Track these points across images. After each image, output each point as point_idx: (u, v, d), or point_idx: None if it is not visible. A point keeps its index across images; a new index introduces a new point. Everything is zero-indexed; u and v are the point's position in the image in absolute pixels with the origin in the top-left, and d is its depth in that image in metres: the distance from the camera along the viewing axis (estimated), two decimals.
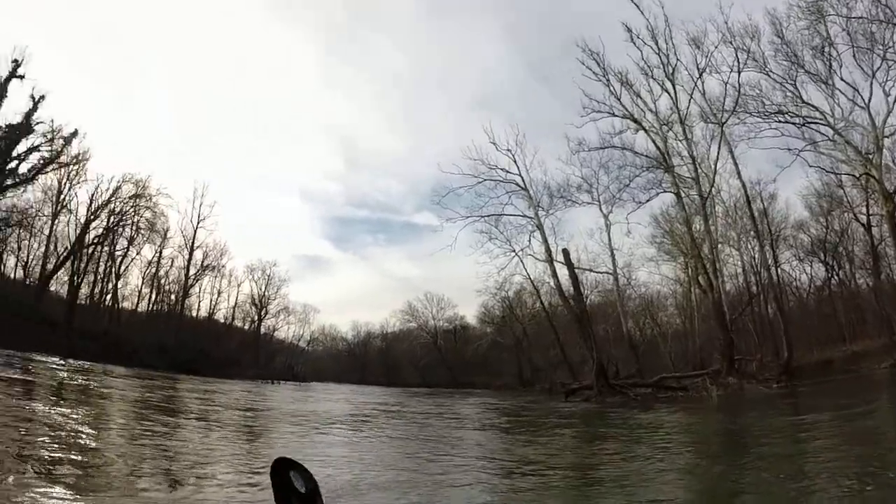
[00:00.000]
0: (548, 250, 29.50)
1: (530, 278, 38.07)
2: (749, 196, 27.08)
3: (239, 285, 55.75)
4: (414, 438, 10.09)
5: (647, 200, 28.59)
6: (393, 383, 61.66)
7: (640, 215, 56.76)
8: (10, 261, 38.30)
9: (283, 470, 1.55)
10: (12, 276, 38.08)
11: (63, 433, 7.42)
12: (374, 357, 76.29)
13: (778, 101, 25.88)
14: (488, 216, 31.30)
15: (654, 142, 26.98)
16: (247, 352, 52.02)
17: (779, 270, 33.16)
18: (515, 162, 30.50)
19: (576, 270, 29.64)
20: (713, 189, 26.59)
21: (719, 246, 28.82)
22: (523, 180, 30.40)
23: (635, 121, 27.12)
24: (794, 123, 26.04)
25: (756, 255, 35.08)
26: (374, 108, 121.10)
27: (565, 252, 29.27)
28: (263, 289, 57.78)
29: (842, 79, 24.83)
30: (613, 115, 27.47)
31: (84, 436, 7.57)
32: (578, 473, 7.35)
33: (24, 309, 30.67)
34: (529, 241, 30.74)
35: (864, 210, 31.81)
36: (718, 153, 25.87)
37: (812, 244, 35.31)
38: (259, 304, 57.58)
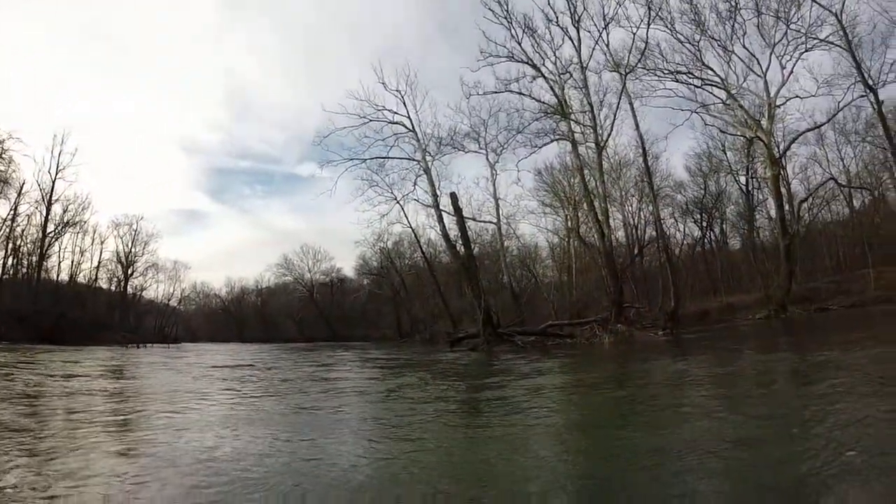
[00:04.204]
0: (434, 195, 28.48)
1: (411, 227, 38.42)
2: (645, 148, 27.66)
3: (103, 242, 50.48)
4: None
5: (543, 146, 28.40)
6: (271, 339, 59.71)
7: (527, 165, 58.59)
8: None
9: None
10: None
11: None
12: (251, 313, 73.94)
13: (678, 62, 26.94)
14: (372, 159, 29.58)
15: (552, 89, 26.52)
16: (113, 314, 48.01)
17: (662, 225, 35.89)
18: (405, 103, 28.86)
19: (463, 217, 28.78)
20: (609, 139, 27.00)
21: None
22: (411, 122, 28.80)
23: (534, 66, 26.40)
24: (692, 84, 27.38)
25: (636, 211, 38.43)
26: (271, 58, 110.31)
27: (453, 196, 28.16)
28: (130, 245, 53.15)
29: (743, 46, 26.32)
30: (512, 59, 26.57)
31: None
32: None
33: None
34: (415, 185, 29.55)
35: (743, 173, 35.33)
36: (619, 104, 26.09)
37: (687, 204, 38.43)
38: (125, 262, 52.86)
